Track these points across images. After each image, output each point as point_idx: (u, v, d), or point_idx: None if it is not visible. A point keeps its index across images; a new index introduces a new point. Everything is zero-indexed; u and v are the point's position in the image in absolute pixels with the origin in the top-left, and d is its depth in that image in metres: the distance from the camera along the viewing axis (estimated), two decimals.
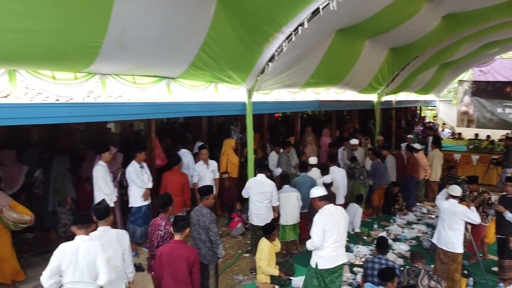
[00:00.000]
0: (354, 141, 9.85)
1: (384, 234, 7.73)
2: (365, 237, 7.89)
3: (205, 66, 5.91)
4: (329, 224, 4.59)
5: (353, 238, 7.71)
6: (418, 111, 21.35)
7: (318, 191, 4.91)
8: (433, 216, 9.22)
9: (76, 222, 3.85)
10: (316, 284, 4.74)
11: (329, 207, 4.76)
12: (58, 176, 6.60)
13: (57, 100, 4.92)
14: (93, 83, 5.12)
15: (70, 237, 6.34)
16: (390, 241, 7.41)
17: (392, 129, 13.66)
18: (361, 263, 6.55)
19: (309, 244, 4.74)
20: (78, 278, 3.63)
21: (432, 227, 8.33)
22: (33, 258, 6.36)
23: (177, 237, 4.11)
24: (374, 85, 10.85)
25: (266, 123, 10.75)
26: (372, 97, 12.07)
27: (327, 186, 6.47)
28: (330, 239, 4.60)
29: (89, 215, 4.08)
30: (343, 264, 4.89)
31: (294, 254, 6.95)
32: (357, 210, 8.12)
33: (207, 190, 5.09)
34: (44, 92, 4.67)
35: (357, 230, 8.08)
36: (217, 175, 7.46)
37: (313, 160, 7.90)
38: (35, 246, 6.86)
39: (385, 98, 12.46)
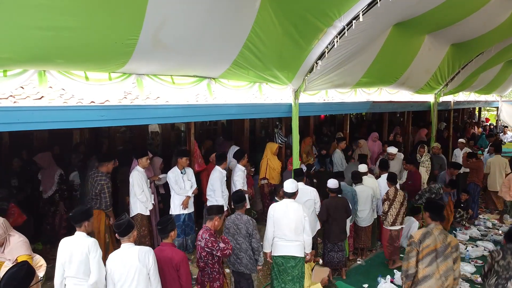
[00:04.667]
0: (392, 150, 8.36)
1: None
2: None
3: (249, 65, 5.44)
4: (276, 214, 4.85)
5: None
6: (476, 112, 19.78)
7: (287, 185, 4.93)
8: (500, 232, 8.21)
9: (72, 219, 3.79)
10: (275, 270, 4.99)
11: (285, 201, 4.92)
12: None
13: (92, 102, 4.64)
14: (129, 83, 4.81)
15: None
16: None
17: (450, 133, 12.52)
18: None
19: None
20: (73, 274, 3.67)
21: (501, 245, 7.35)
22: None
23: (165, 240, 3.95)
24: (432, 84, 9.91)
25: (312, 125, 10.15)
26: (429, 97, 11.08)
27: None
28: (278, 230, 4.82)
29: (87, 211, 3.94)
30: (299, 257, 4.89)
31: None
32: (413, 223, 7.32)
33: (240, 197, 4.80)
34: (76, 94, 4.39)
35: None
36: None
37: (363, 168, 7.16)
38: None
39: (443, 98, 11.42)
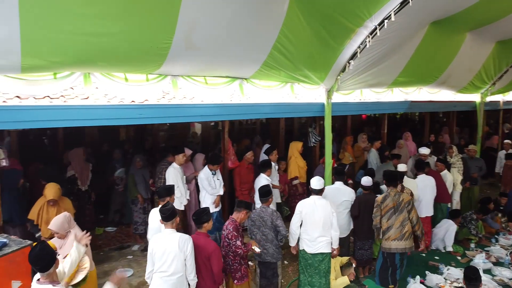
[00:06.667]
0: (424, 150, 8.09)
1: (482, 256, 6.68)
2: (459, 257, 6.91)
3: (279, 65, 5.60)
4: (304, 211, 5.03)
5: (444, 258, 6.81)
6: None
7: (314, 183, 5.10)
8: None
9: (157, 194, 4.82)
10: (302, 264, 5.19)
11: (313, 197, 5.10)
12: (131, 175, 6.85)
13: (133, 101, 5.02)
14: (166, 84, 5.15)
15: (142, 234, 6.61)
16: (490, 265, 6.40)
17: (499, 134, 11.92)
18: None
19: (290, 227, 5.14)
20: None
21: None
22: (111, 252, 6.66)
23: (200, 230, 4.24)
24: (477, 83, 9.53)
25: (349, 124, 10.11)
26: (474, 97, 10.64)
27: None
28: (306, 226, 5.02)
29: (170, 188, 4.93)
30: (326, 253, 5.08)
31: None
32: (450, 226, 7.16)
33: (267, 191, 5.06)
34: (118, 94, 4.79)
35: (449, 249, 7.11)
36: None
37: (402, 167, 7.07)
38: (115, 240, 7.23)
39: (490, 98, 10.91)
